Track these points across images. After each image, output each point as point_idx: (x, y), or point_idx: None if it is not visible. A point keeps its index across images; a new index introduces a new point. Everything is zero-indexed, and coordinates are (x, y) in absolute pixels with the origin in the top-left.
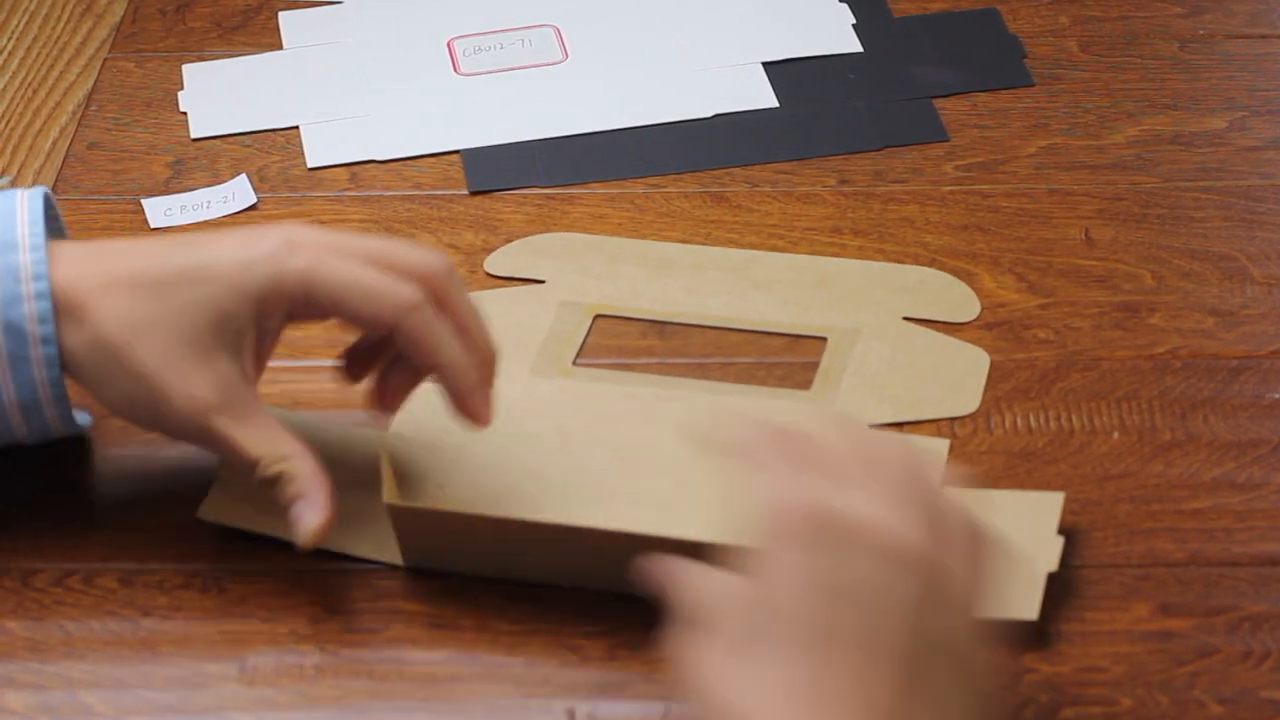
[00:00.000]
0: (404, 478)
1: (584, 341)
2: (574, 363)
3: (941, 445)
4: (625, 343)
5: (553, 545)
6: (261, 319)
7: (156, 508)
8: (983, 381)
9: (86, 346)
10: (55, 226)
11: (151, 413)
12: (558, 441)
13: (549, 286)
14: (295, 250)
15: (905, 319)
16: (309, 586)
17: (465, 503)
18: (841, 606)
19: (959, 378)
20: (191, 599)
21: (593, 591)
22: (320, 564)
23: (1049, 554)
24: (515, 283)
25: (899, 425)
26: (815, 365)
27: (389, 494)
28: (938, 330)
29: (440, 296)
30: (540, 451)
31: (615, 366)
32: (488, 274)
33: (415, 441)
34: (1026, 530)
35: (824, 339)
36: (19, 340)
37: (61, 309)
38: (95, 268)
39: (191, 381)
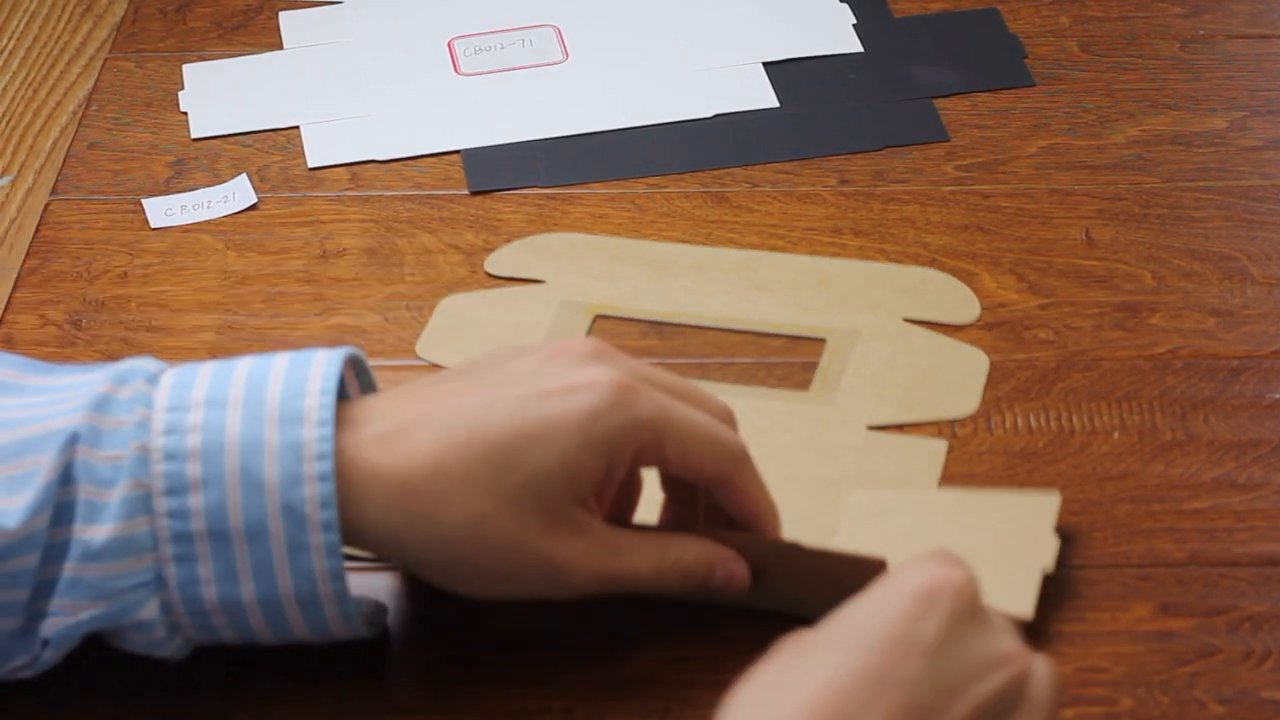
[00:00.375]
0: None
1: None
2: None
3: (939, 447)
4: (625, 343)
5: None
6: (612, 465)
7: None
8: (982, 383)
9: (427, 541)
10: (366, 380)
11: (523, 584)
12: None
13: (549, 286)
14: (638, 397)
15: (906, 320)
16: None
17: None
18: (919, 659)
19: (958, 379)
20: None
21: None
22: None
23: (1045, 554)
24: (515, 283)
25: (898, 427)
26: (814, 366)
27: None
28: (938, 331)
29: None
30: None
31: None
32: (488, 274)
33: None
34: (1023, 530)
35: (823, 340)
36: (297, 525)
37: (387, 503)
38: (408, 448)
39: (563, 541)
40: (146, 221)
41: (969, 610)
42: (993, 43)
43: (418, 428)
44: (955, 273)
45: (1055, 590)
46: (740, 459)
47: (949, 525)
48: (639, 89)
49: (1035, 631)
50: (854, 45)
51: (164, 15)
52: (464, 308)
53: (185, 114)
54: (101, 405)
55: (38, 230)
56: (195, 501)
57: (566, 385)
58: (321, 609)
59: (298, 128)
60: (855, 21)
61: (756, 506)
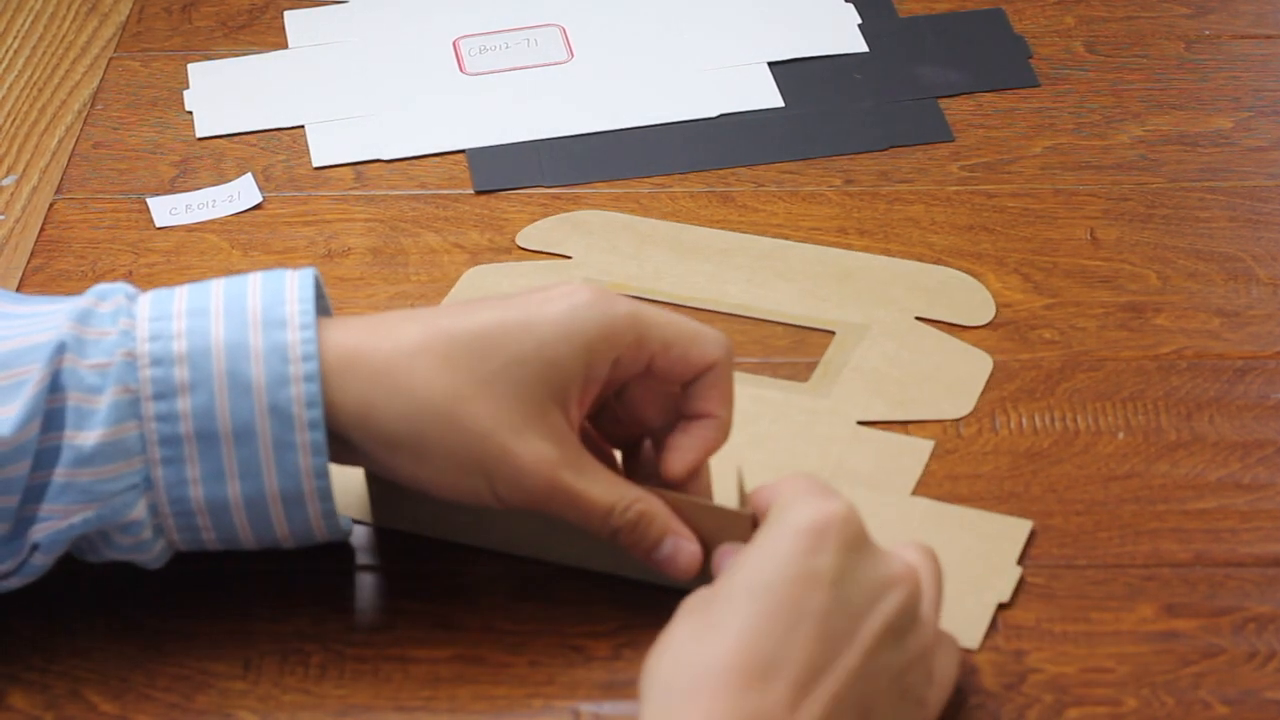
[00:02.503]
0: None
1: None
2: None
3: (924, 447)
4: None
5: (531, 518)
6: (591, 367)
7: None
8: (981, 385)
9: (403, 417)
10: (322, 305)
11: (487, 478)
12: None
13: (575, 263)
14: (616, 299)
15: (918, 318)
16: (313, 585)
17: None
18: (822, 590)
19: (958, 380)
20: (196, 598)
21: (598, 592)
22: (325, 563)
23: (1003, 585)
24: (544, 257)
25: (891, 424)
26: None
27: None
28: (949, 331)
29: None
30: None
31: None
32: (519, 247)
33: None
34: (987, 556)
35: (832, 332)
36: (284, 424)
37: (369, 378)
38: (393, 333)
39: (533, 438)
40: (151, 221)
41: (856, 539)
42: (998, 43)
43: (402, 321)
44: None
45: (1059, 590)
46: (726, 350)
47: (915, 536)
48: (644, 89)
49: (1039, 632)
50: (859, 45)
51: (169, 14)
52: (487, 278)
53: (190, 113)
54: (85, 318)
55: (42, 229)
56: (183, 405)
57: (546, 293)
58: (305, 507)
59: (303, 127)
60: (860, 21)
61: (726, 405)
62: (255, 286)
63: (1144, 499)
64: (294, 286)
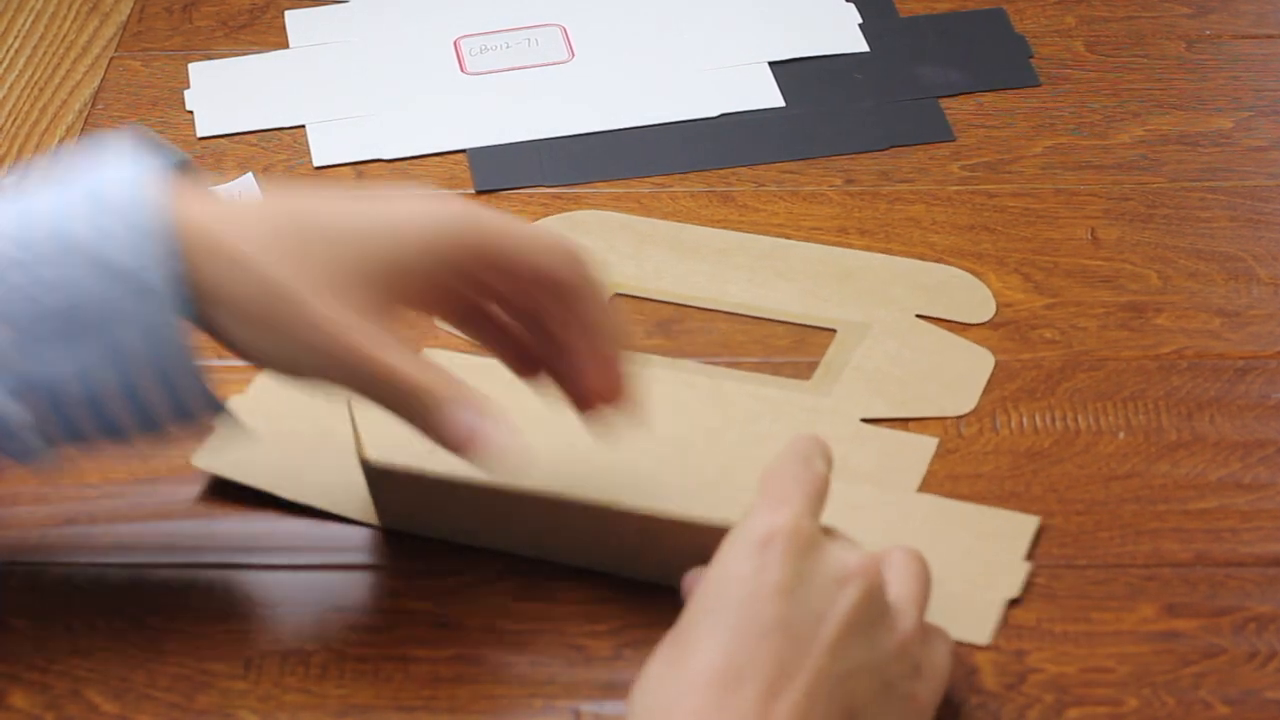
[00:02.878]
0: (395, 439)
1: None
2: None
3: (929, 444)
4: (632, 342)
5: (531, 516)
6: (429, 261)
7: (163, 506)
8: (983, 383)
9: (258, 295)
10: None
11: (316, 350)
12: (557, 416)
13: None
14: (468, 204)
15: (918, 316)
16: (314, 585)
17: (446, 465)
18: (778, 601)
19: (959, 378)
20: (197, 597)
21: (599, 592)
22: (326, 562)
23: (1013, 581)
24: None
25: (892, 421)
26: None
27: (362, 449)
28: (950, 330)
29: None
30: (538, 424)
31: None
32: None
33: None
34: (995, 552)
35: (833, 331)
36: (152, 306)
37: (224, 261)
38: (249, 219)
39: (337, 304)
40: None
41: (805, 546)
42: (998, 42)
43: (259, 205)
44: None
45: (1060, 590)
46: (584, 260)
47: (922, 532)
48: (644, 88)
49: (1040, 632)
50: (860, 45)
51: (170, 14)
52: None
53: (191, 113)
54: None
55: None
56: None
57: (403, 193)
58: (174, 380)
59: (303, 127)
60: (861, 21)
61: (593, 313)
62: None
63: (1145, 499)
64: (154, 166)
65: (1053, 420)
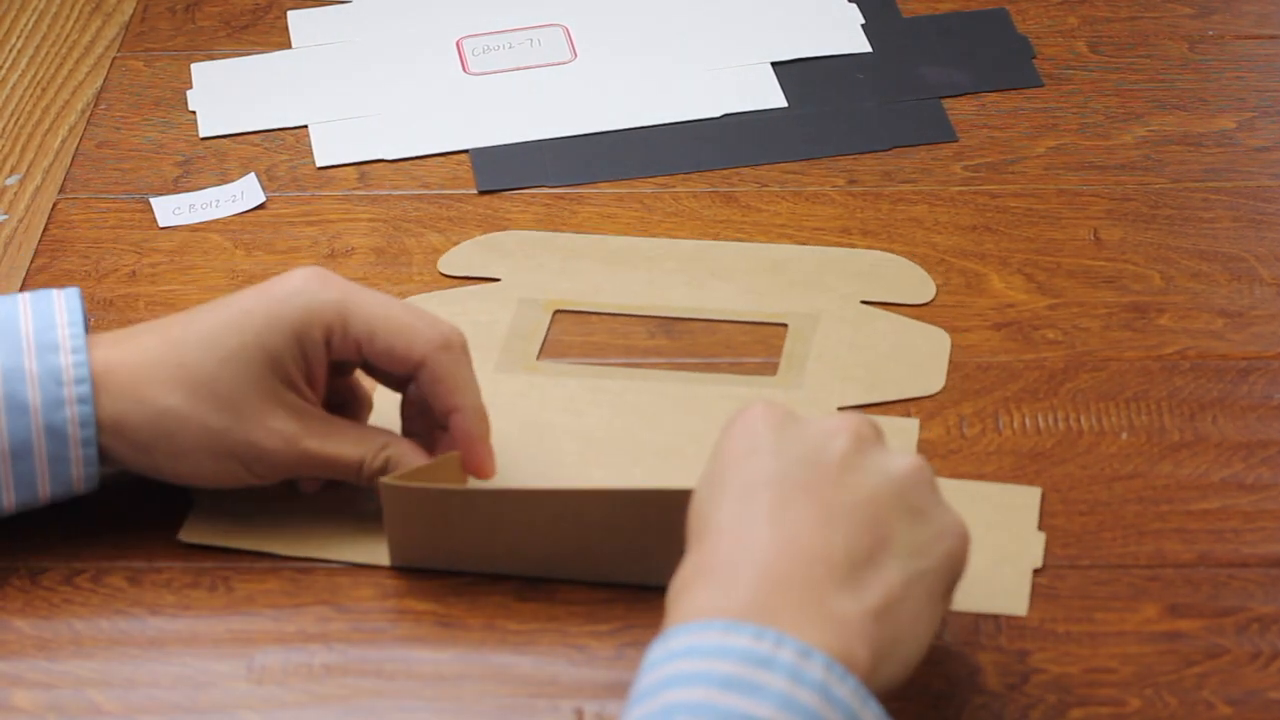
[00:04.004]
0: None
1: (545, 337)
2: (537, 358)
3: (911, 426)
4: (634, 342)
5: (543, 521)
6: (304, 347)
7: (165, 507)
8: (945, 361)
9: (149, 423)
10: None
11: (240, 462)
12: (530, 437)
13: (505, 284)
14: (327, 282)
15: (864, 302)
16: (317, 585)
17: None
18: (770, 460)
19: (921, 359)
20: (200, 598)
21: (600, 592)
22: (329, 563)
23: (1033, 550)
24: (470, 281)
25: (870, 406)
26: (779, 351)
27: (391, 476)
28: (898, 313)
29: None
30: (514, 447)
31: (581, 360)
32: (441, 274)
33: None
34: (1007, 525)
35: (785, 325)
36: (59, 443)
37: (117, 392)
38: (136, 346)
39: (270, 419)
40: (155, 220)
41: (783, 418)
42: (1001, 43)
43: (144, 333)
44: (963, 273)
45: (1063, 590)
46: (441, 344)
47: None
48: (647, 89)
49: (1043, 632)
50: (863, 45)
51: (173, 14)
52: (423, 308)
53: (194, 113)
54: None
55: (46, 229)
56: None
57: (268, 286)
58: (74, 498)
59: (306, 127)
60: (864, 21)
61: (457, 396)
62: (26, 308)
63: (1147, 499)
64: (63, 309)
65: (1055, 421)
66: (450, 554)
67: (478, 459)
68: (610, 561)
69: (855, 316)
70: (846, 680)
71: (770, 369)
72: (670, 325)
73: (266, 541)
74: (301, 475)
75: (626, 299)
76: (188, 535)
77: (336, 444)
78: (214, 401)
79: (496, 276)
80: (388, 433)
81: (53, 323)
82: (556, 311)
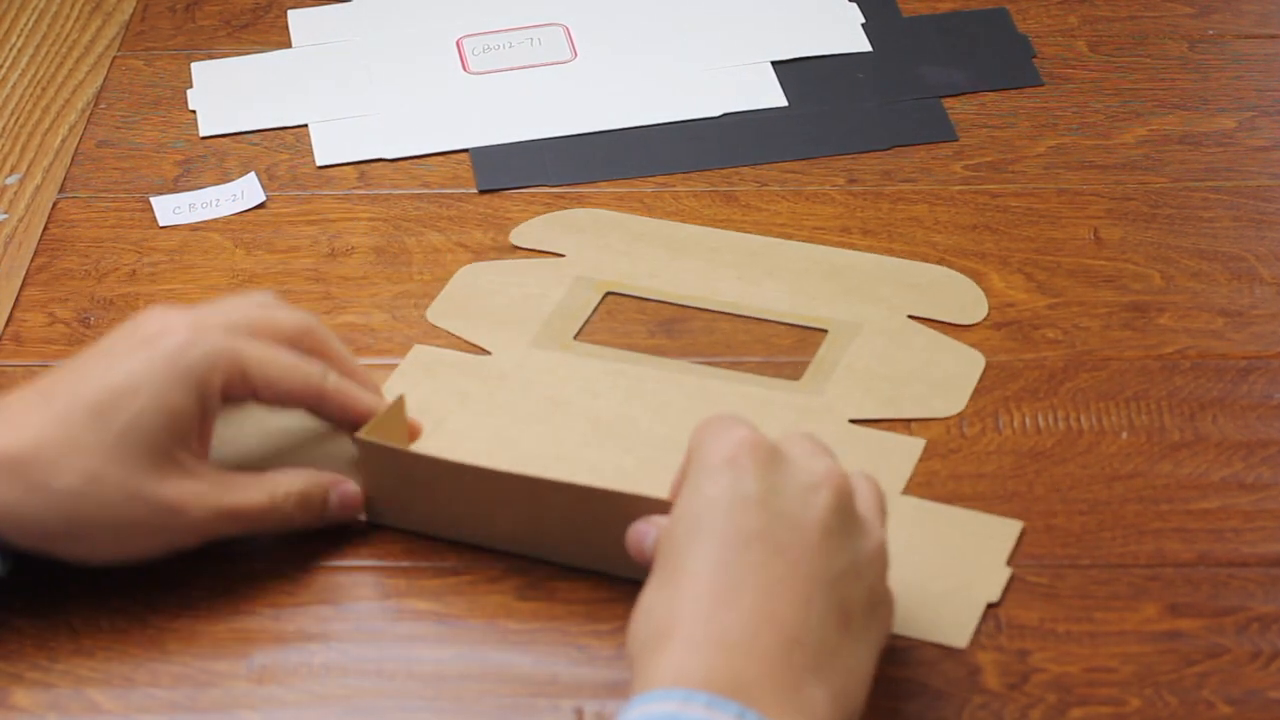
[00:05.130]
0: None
1: (590, 318)
2: (575, 338)
3: (916, 445)
4: (636, 342)
5: (509, 500)
6: (204, 402)
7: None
8: (973, 384)
9: (49, 508)
10: None
11: (157, 534)
12: (542, 412)
13: (568, 261)
14: (207, 331)
15: (910, 317)
16: (317, 585)
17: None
18: (756, 512)
19: (949, 379)
20: (200, 597)
21: (601, 591)
22: (329, 562)
23: (993, 586)
24: (537, 255)
25: (891, 422)
26: (812, 355)
27: (365, 430)
28: (942, 330)
29: (322, 349)
30: (524, 420)
31: (619, 344)
32: (512, 245)
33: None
34: (977, 555)
35: (824, 330)
36: None
37: (6, 482)
38: (16, 428)
39: (175, 483)
40: (155, 219)
41: (770, 457)
42: (1001, 42)
43: (22, 406)
44: (964, 272)
45: (1063, 590)
46: (321, 380)
47: (905, 534)
48: (647, 88)
49: (1043, 632)
50: (863, 45)
51: (173, 13)
52: (480, 276)
53: (194, 112)
54: None
55: (46, 228)
56: None
57: (144, 337)
58: None
59: (306, 126)
60: (864, 21)
61: (357, 407)
62: None
63: (1147, 499)
64: None
65: (1055, 420)
66: (421, 516)
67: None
68: (569, 547)
69: (897, 329)
70: None
71: (767, 369)
72: (670, 325)
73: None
74: (213, 535)
75: (676, 287)
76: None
77: (243, 493)
78: (118, 475)
79: (562, 253)
80: (279, 470)
81: None
82: (608, 293)
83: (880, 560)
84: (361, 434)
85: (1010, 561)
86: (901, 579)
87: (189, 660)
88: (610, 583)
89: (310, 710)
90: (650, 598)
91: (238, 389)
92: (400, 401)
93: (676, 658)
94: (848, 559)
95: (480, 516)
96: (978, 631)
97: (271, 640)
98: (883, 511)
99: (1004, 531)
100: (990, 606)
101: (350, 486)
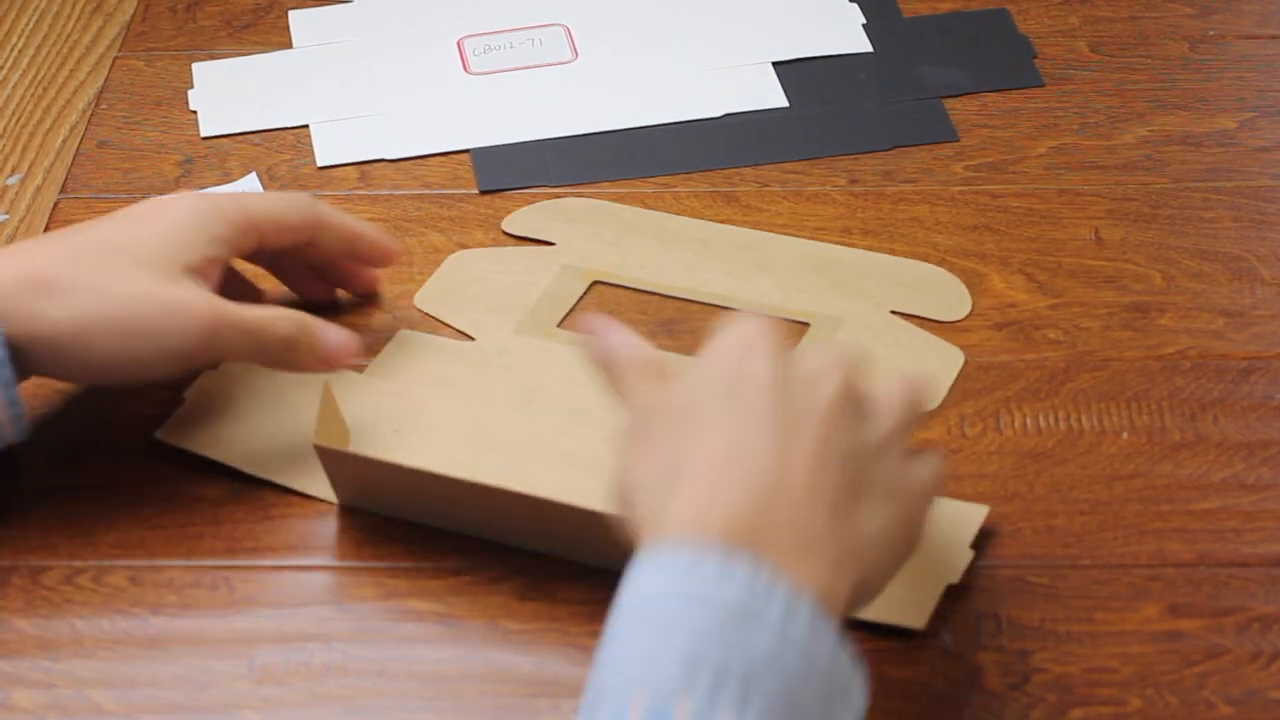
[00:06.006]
0: (364, 419)
1: (575, 306)
2: (559, 325)
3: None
4: (632, 325)
5: (471, 501)
6: (214, 246)
7: (166, 506)
8: (951, 381)
9: (69, 318)
10: None
11: (164, 334)
12: (521, 399)
13: (557, 249)
14: (216, 196)
15: (893, 313)
16: (318, 585)
17: (389, 452)
18: (766, 384)
19: (928, 374)
20: (200, 597)
21: (601, 591)
22: (329, 562)
23: (954, 567)
24: (528, 243)
25: None
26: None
27: (317, 435)
28: (930, 328)
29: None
30: (501, 407)
31: None
32: (504, 232)
33: (384, 386)
34: (941, 537)
35: (806, 324)
36: None
37: (36, 288)
38: (43, 255)
39: (185, 289)
40: None
41: (781, 344)
42: (1002, 43)
43: (34, 245)
44: (964, 272)
45: (1063, 590)
46: (318, 205)
47: None
48: (648, 88)
49: (1043, 632)
50: (863, 45)
51: (174, 14)
52: (470, 263)
53: (195, 113)
54: None
55: (47, 228)
56: None
57: (151, 204)
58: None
59: (307, 126)
60: (865, 21)
61: (354, 227)
62: None
63: (1148, 499)
64: None
65: (1056, 420)
66: (389, 506)
67: (388, 248)
68: (533, 540)
69: (880, 325)
70: (828, 622)
71: None
72: (671, 325)
73: (235, 458)
74: (215, 347)
75: (664, 278)
76: (164, 434)
77: (242, 310)
78: (134, 278)
79: (552, 241)
80: (285, 310)
81: None
82: (595, 282)
83: (889, 449)
84: (315, 439)
85: (974, 546)
86: None
87: (190, 660)
88: (611, 583)
89: (310, 710)
90: (647, 451)
91: (248, 236)
92: (327, 392)
93: (688, 502)
94: (854, 440)
95: (443, 512)
96: (978, 631)
97: (273, 640)
98: (902, 410)
99: (969, 515)
100: (951, 587)
101: (347, 334)
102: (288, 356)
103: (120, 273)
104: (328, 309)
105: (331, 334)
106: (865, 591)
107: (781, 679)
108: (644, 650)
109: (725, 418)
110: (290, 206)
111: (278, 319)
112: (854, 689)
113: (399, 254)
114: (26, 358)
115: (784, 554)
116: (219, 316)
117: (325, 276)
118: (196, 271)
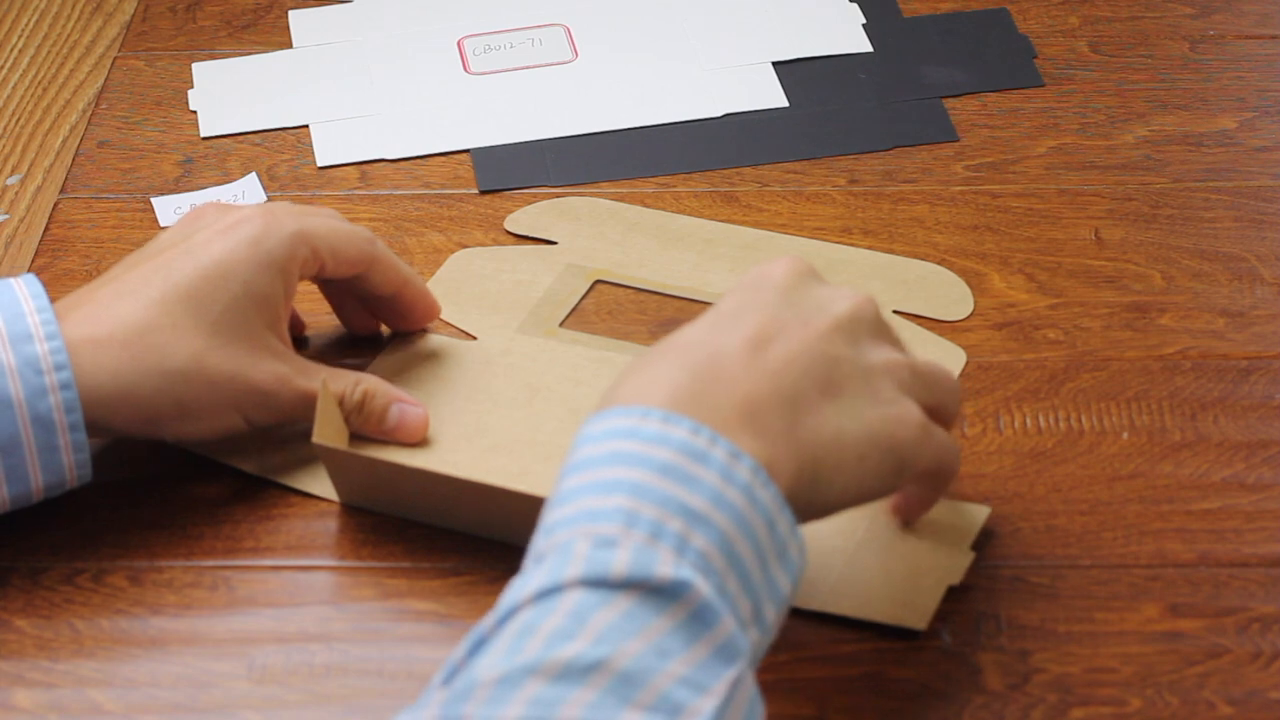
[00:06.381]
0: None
1: (577, 305)
2: (561, 325)
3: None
4: (633, 325)
5: (471, 500)
6: (287, 283)
7: (166, 506)
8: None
9: (159, 390)
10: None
11: (240, 413)
12: (522, 398)
13: (560, 248)
14: (278, 215)
15: (895, 312)
16: (318, 585)
17: (389, 451)
18: (770, 294)
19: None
20: (200, 597)
21: None
22: (329, 562)
23: (955, 569)
24: (530, 241)
25: None
26: None
27: (317, 433)
28: (931, 327)
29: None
30: (503, 406)
31: (604, 332)
32: (506, 231)
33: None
34: (942, 538)
35: None
36: (48, 431)
37: (116, 365)
38: (111, 317)
39: (267, 365)
40: (156, 220)
41: (805, 272)
42: (1002, 43)
43: (112, 293)
44: (964, 272)
45: (1064, 590)
46: (375, 242)
47: (870, 518)
48: (648, 88)
49: (1044, 632)
50: (864, 45)
51: (174, 14)
52: (473, 261)
53: (195, 113)
54: None
55: (47, 228)
56: None
57: (222, 228)
58: (65, 487)
59: (307, 126)
60: (865, 21)
61: (400, 271)
62: None
63: (1148, 499)
64: (27, 296)
65: (1056, 420)
66: (389, 506)
67: (431, 304)
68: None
69: None
70: (769, 486)
71: None
72: (671, 325)
73: (236, 458)
74: (290, 418)
75: (666, 277)
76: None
77: (318, 382)
78: (219, 354)
79: (555, 240)
80: (354, 372)
81: (20, 311)
82: (597, 282)
83: (889, 375)
84: (315, 438)
85: (975, 547)
86: (865, 563)
87: (190, 660)
88: None
89: (310, 710)
90: (707, 332)
91: (310, 266)
92: (327, 391)
93: (645, 376)
94: (849, 349)
95: (443, 512)
96: (978, 631)
97: (272, 640)
98: (939, 369)
99: (971, 516)
100: (951, 587)
101: (416, 410)
102: (359, 420)
103: (211, 341)
104: (369, 340)
105: (395, 412)
106: (821, 495)
107: (719, 528)
108: (588, 497)
109: (758, 312)
110: (349, 241)
111: (352, 384)
112: (791, 549)
113: (438, 312)
114: (104, 419)
115: (724, 423)
116: (301, 395)
117: (370, 309)
118: (276, 323)
